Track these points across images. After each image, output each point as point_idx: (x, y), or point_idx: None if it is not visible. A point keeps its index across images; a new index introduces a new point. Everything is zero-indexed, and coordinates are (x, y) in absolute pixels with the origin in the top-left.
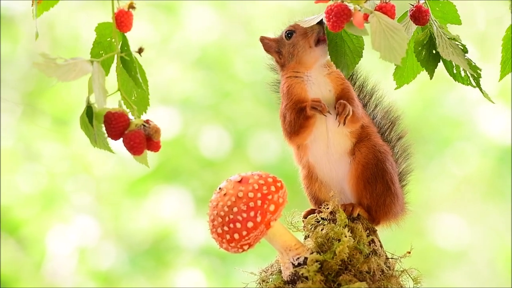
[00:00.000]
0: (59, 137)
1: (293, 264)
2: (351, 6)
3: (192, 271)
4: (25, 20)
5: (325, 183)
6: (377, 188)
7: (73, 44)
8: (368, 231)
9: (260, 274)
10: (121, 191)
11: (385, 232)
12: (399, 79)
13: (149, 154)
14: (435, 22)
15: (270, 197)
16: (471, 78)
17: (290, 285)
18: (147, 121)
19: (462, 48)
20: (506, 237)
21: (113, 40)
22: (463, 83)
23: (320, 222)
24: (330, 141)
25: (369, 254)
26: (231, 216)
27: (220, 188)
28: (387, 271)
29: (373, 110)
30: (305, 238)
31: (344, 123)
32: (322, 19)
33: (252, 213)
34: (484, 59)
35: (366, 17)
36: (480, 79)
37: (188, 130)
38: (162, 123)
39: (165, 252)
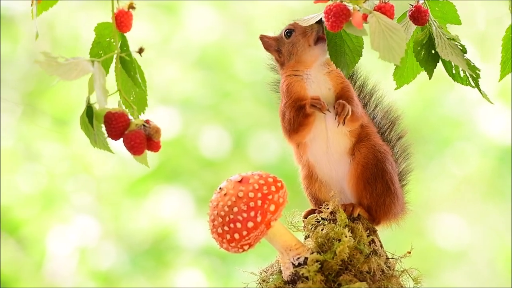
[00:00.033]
0: (59, 137)
1: (293, 264)
2: (350, 6)
3: (193, 271)
4: (25, 20)
5: (325, 182)
6: (377, 188)
7: (73, 44)
8: (368, 231)
9: (261, 274)
10: (121, 191)
11: (385, 232)
12: (399, 79)
13: (149, 154)
14: (434, 22)
15: (270, 197)
16: (470, 79)
17: (291, 285)
18: (147, 121)
19: (461, 48)
20: (506, 237)
21: (113, 40)
22: (462, 83)
23: (321, 222)
24: (330, 140)
25: (370, 254)
26: (232, 216)
27: (220, 188)
28: (388, 271)
29: (373, 110)
30: (305, 238)
31: (344, 123)
32: (321, 18)
33: (252, 213)
34: (484, 59)
35: (365, 17)
36: (479, 79)
37: (188, 130)
38: (163, 123)
39: (165, 252)
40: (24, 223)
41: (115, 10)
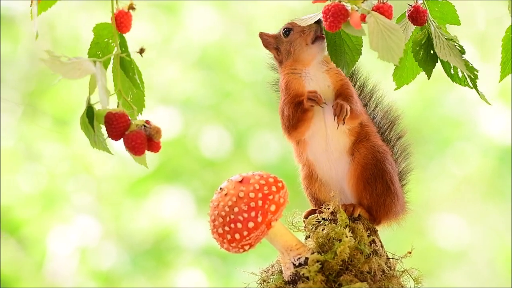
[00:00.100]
0: (59, 137)
1: (294, 264)
2: (348, 6)
3: (193, 271)
4: (25, 20)
5: (325, 182)
6: (377, 188)
7: (73, 44)
8: (369, 231)
9: (261, 274)
10: (121, 191)
11: (385, 232)
12: (398, 80)
13: (149, 154)
14: (433, 23)
15: (271, 197)
16: (468, 79)
17: (291, 285)
18: (147, 122)
19: (460, 49)
20: (506, 237)
21: (111, 40)
22: (460, 84)
23: (321, 222)
24: (329, 138)
25: (370, 254)
26: (232, 216)
27: (221, 188)
28: (388, 271)
29: (373, 110)
30: (306, 238)
31: (344, 123)
32: (320, 18)
33: (253, 213)
34: (484, 60)
35: (363, 17)
36: (477, 80)
37: (188, 130)
38: (163, 123)
39: (166, 252)
40: (25, 223)
41: (115, 11)
